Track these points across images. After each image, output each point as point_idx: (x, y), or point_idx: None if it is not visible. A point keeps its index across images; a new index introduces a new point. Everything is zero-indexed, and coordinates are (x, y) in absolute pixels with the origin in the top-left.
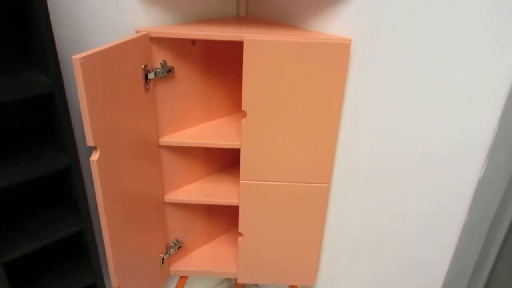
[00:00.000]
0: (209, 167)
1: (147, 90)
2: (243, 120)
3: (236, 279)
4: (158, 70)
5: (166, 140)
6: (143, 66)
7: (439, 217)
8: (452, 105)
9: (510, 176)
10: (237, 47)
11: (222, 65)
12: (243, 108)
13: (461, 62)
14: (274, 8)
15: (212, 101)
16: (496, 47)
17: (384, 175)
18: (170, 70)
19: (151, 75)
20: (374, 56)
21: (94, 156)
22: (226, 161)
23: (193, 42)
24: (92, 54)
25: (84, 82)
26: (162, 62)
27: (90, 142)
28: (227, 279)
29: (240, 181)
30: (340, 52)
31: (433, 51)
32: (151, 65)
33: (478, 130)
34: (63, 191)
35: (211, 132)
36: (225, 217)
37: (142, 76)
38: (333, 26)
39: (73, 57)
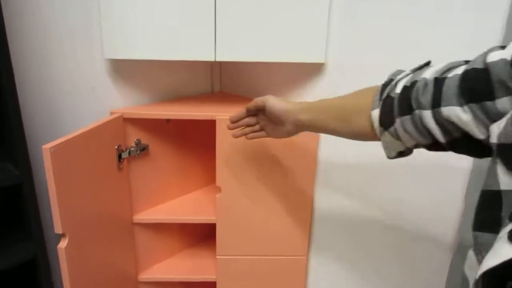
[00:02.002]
0: (184, 241)
1: (120, 169)
2: (217, 195)
3: None
4: (132, 148)
5: (140, 217)
6: (116, 147)
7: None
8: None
9: None
10: (210, 122)
11: (196, 140)
12: (217, 184)
13: None
14: (246, 84)
15: (187, 175)
16: None
17: (360, 247)
18: (144, 148)
19: (124, 155)
20: None
21: (62, 244)
22: (202, 234)
23: (168, 120)
24: (63, 143)
25: (53, 172)
26: (136, 141)
27: (58, 229)
28: None
29: (217, 257)
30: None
31: None
32: (125, 144)
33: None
34: (31, 280)
35: (187, 207)
36: None
37: (115, 157)
38: None
39: (43, 147)
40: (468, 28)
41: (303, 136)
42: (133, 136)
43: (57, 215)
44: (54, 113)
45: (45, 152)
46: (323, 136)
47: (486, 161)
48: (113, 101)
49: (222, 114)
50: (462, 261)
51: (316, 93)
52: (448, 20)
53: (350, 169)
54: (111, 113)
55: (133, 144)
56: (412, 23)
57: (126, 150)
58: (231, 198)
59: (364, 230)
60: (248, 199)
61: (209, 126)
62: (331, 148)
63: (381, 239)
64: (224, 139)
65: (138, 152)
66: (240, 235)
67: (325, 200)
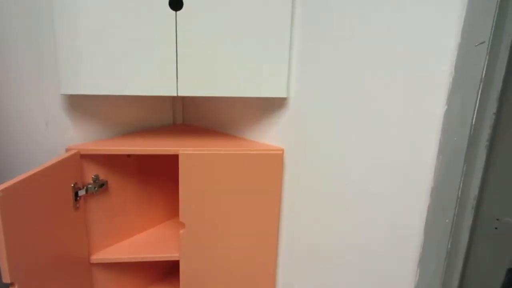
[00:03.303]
0: (146, 279)
1: (76, 208)
2: (181, 231)
3: None
4: (89, 186)
5: (98, 257)
6: (72, 185)
7: None
8: (378, 204)
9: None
10: (173, 156)
11: (158, 174)
12: (180, 220)
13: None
14: (209, 117)
15: (149, 209)
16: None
17: (329, 280)
18: (103, 184)
19: (81, 192)
20: (303, 164)
21: None
22: (165, 271)
23: (129, 154)
24: (13, 185)
25: (2, 217)
26: (94, 177)
27: (6, 279)
28: None
29: None
30: (274, 160)
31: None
32: (82, 181)
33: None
34: None
35: (149, 243)
36: None
37: (71, 195)
38: (265, 136)
39: None
40: (421, 65)
41: (268, 171)
42: (91, 172)
43: (4, 263)
44: (4, 152)
45: None
46: (287, 172)
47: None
48: (70, 136)
49: (186, 148)
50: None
51: (279, 127)
52: (390, 65)
53: (313, 204)
54: (67, 150)
55: (91, 181)
56: (368, 58)
57: (83, 187)
58: (195, 233)
59: (332, 265)
60: (213, 234)
61: (172, 160)
62: (295, 184)
63: (347, 272)
64: (188, 174)
65: (96, 189)
66: (205, 272)
67: (290, 234)
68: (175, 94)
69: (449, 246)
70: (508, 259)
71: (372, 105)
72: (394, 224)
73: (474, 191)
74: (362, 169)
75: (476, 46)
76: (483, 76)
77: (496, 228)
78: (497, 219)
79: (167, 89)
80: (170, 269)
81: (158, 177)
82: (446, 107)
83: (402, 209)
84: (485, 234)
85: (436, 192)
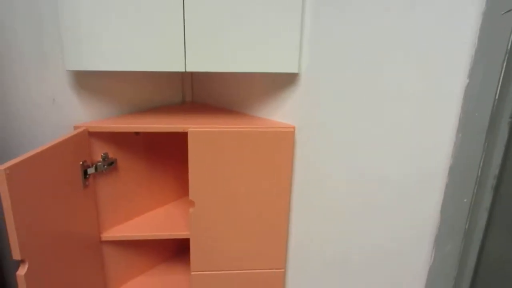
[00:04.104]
0: (156, 257)
1: (86, 186)
2: (190, 210)
3: None
4: (99, 164)
5: (108, 235)
6: (81, 163)
7: None
8: (390, 195)
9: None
10: (182, 134)
11: (167, 152)
12: (190, 198)
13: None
14: (218, 95)
15: (158, 189)
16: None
17: (339, 259)
18: (112, 163)
19: (91, 170)
20: (314, 143)
21: (22, 271)
22: (176, 249)
23: (137, 132)
24: (20, 162)
25: (10, 194)
26: (104, 155)
27: (16, 255)
28: None
29: (191, 273)
30: (285, 138)
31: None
32: (91, 160)
33: (422, 220)
34: None
35: (158, 222)
36: None
37: (80, 173)
38: (275, 113)
39: None
40: (440, 39)
41: (279, 149)
42: (100, 150)
43: (15, 240)
44: (13, 127)
45: (0, 173)
46: (298, 150)
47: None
48: (77, 115)
49: (195, 126)
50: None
51: (290, 104)
52: (409, 39)
53: (325, 184)
54: (75, 128)
55: (100, 159)
56: (385, 34)
57: (92, 165)
58: (205, 212)
59: (343, 241)
60: (222, 212)
61: (181, 138)
62: (307, 165)
63: (358, 250)
64: (197, 152)
65: (105, 167)
66: (215, 250)
67: (301, 211)
68: (183, 70)
69: (466, 227)
70: None
71: (388, 81)
72: (409, 207)
73: (494, 170)
74: (376, 149)
75: (502, 14)
76: (509, 47)
77: None
78: None
79: (174, 65)
80: (181, 247)
81: (167, 155)
82: (467, 81)
83: (419, 190)
84: (503, 215)
85: (455, 171)
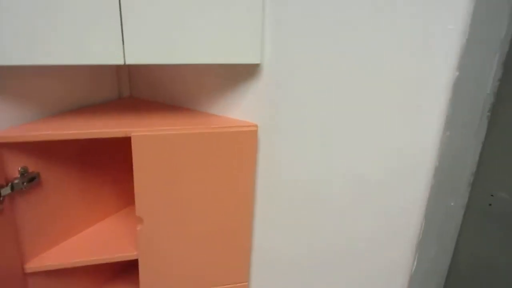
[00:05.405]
0: (98, 281)
1: (0, 211)
2: (138, 228)
3: None
4: (16, 182)
5: (34, 266)
6: None
7: None
8: (373, 197)
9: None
10: (123, 139)
11: (103, 159)
12: (137, 214)
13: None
14: (162, 89)
15: (94, 201)
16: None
17: (305, 265)
18: (34, 178)
19: (5, 191)
20: (280, 143)
21: None
22: (119, 268)
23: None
24: None
25: None
26: (22, 170)
27: None
28: None
29: None
30: (247, 139)
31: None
32: (6, 177)
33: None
34: None
35: (98, 242)
36: None
37: None
38: (232, 110)
39: None
40: (415, 27)
41: (240, 152)
42: (17, 164)
43: None
44: None
45: None
46: (262, 153)
47: None
48: None
49: (139, 129)
50: None
51: (249, 99)
52: (389, 18)
53: (293, 188)
54: None
55: (17, 175)
56: (349, 24)
57: (7, 185)
58: (156, 229)
59: (311, 247)
60: (176, 228)
61: (122, 142)
62: (272, 168)
63: (331, 256)
64: (143, 160)
65: (25, 184)
66: (169, 270)
67: (266, 218)
68: (122, 63)
69: (447, 229)
70: (502, 236)
71: (365, 74)
72: (389, 211)
73: (472, 167)
74: (351, 147)
75: None
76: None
77: (490, 204)
78: (492, 195)
79: (109, 57)
80: (127, 266)
81: (104, 161)
82: (457, 73)
83: (400, 192)
84: (479, 211)
85: (441, 172)
